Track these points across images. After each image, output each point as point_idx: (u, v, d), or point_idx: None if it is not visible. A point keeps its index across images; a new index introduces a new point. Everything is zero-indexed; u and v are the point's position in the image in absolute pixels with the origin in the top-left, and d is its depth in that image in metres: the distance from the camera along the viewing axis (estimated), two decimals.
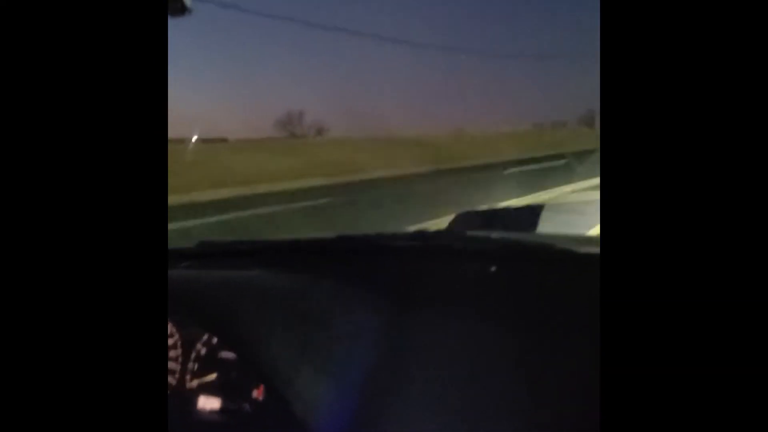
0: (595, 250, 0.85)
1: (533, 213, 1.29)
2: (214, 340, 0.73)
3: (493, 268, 0.76)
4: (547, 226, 1.23)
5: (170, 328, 0.75)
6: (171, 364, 0.74)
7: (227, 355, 0.72)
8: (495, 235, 0.95)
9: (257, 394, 0.66)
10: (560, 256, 0.77)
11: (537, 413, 0.55)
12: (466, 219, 1.41)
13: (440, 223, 1.25)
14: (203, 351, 0.74)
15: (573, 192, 7.09)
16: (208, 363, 0.73)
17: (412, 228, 1.04)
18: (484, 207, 1.59)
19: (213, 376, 0.71)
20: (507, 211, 1.59)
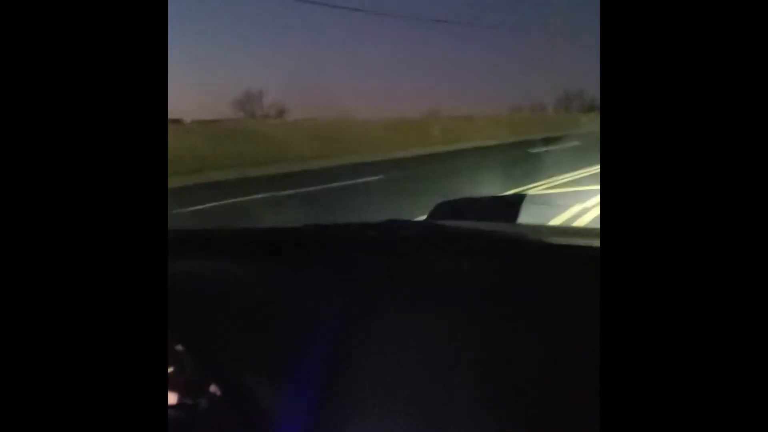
0: (572, 241, 0.86)
1: (513, 203, 1.30)
2: (170, 332, 0.71)
3: (465, 265, 0.75)
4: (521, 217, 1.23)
5: None
6: None
7: (182, 348, 0.70)
8: (470, 225, 0.95)
9: (214, 389, 0.65)
10: (537, 249, 0.77)
11: (503, 412, 0.55)
12: (445, 208, 1.41)
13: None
14: None
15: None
16: None
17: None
18: (463, 196, 1.57)
19: (168, 370, 0.70)
20: (487, 201, 1.60)
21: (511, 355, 0.58)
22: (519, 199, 1.31)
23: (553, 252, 0.75)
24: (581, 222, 4.96)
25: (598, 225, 0.49)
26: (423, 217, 1.30)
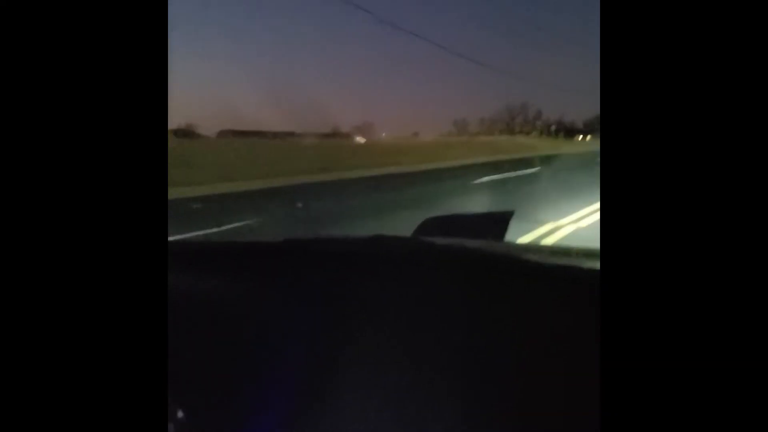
0: (560, 261, 0.86)
1: (501, 221, 1.30)
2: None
3: (450, 282, 0.74)
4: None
5: None
6: None
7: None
8: (457, 242, 0.95)
9: (181, 415, 0.63)
10: (523, 268, 0.77)
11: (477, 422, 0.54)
12: (432, 225, 1.41)
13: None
14: None
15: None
16: None
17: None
18: (451, 213, 1.57)
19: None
20: (474, 218, 1.60)
21: (491, 372, 0.58)
22: (507, 216, 1.31)
23: (540, 272, 0.75)
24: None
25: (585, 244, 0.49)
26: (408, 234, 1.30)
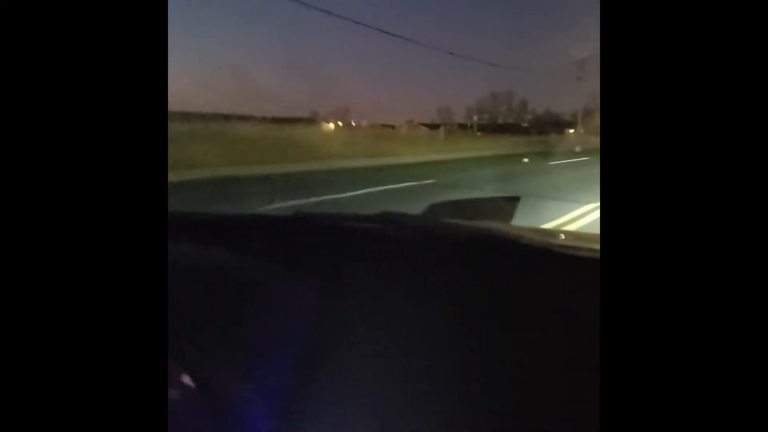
0: (568, 243, 0.86)
1: (509, 204, 1.30)
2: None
3: (456, 262, 0.74)
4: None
5: None
6: None
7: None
8: (465, 222, 0.94)
9: (187, 380, 0.63)
10: (532, 249, 0.77)
11: (470, 414, 0.54)
12: (439, 208, 1.41)
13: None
14: None
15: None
16: None
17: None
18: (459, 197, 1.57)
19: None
20: (481, 201, 1.60)
21: (499, 355, 0.58)
22: (514, 199, 1.31)
23: (547, 253, 0.74)
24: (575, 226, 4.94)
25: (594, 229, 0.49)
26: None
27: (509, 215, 1.25)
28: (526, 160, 15.64)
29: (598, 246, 0.69)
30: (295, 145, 14.75)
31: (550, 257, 0.73)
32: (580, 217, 5.32)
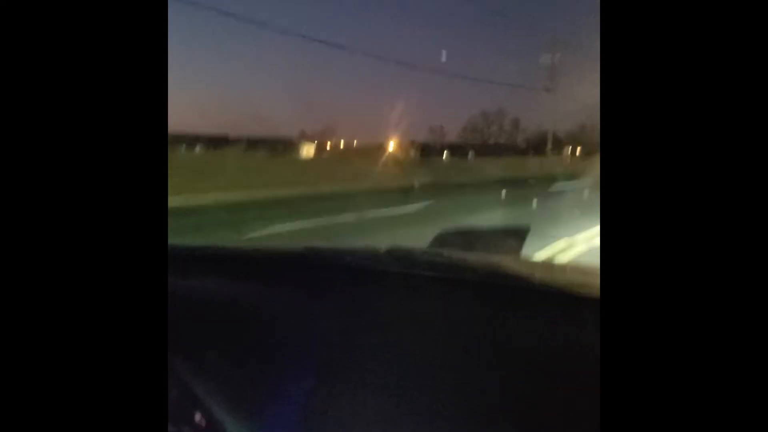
0: (573, 280, 0.84)
1: (518, 234, 1.29)
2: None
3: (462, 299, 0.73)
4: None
5: None
6: None
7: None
8: (474, 257, 0.94)
9: (198, 418, 0.63)
10: (536, 287, 0.75)
11: None
12: (448, 237, 1.40)
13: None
14: None
15: None
16: None
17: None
18: (467, 226, 1.57)
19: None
20: (490, 231, 1.59)
21: (500, 393, 0.57)
22: (524, 230, 1.30)
23: (552, 291, 0.74)
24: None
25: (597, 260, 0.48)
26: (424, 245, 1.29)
27: (518, 248, 1.24)
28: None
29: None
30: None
31: (555, 297, 0.72)
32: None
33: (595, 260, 0.49)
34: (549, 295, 0.72)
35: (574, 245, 5.19)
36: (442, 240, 1.35)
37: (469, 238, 1.45)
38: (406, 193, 10.45)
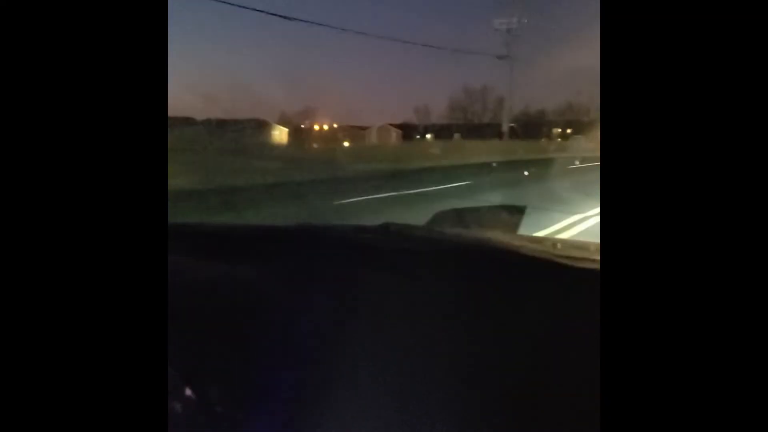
0: (572, 254, 0.85)
1: (514, 214, 1.29)
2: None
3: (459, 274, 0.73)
4: None
5: None
6: None
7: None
8: (470, 233, 0.94)
9: (189, 392, 0.63)
10: (535, 260, 0.76)
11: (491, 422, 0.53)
12: (444, 217, 1.41)
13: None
14: None
15: None
16: None
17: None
18: (464, 206, 1.57)
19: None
20: (486, 210, 1.60)
21: (500, 365, 0.58)
22: (520, 209, 1.31)
23: (551, 265, 0.74)
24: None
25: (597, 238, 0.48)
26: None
27: (514, 226, 1.25)
28: None
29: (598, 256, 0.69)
30: None
31: (551, 267, 0.72)
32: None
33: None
34: (546, 267, 0.72)
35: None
36: (437, 220, 1.36)
37: (465, 217, 1.45)
38: None
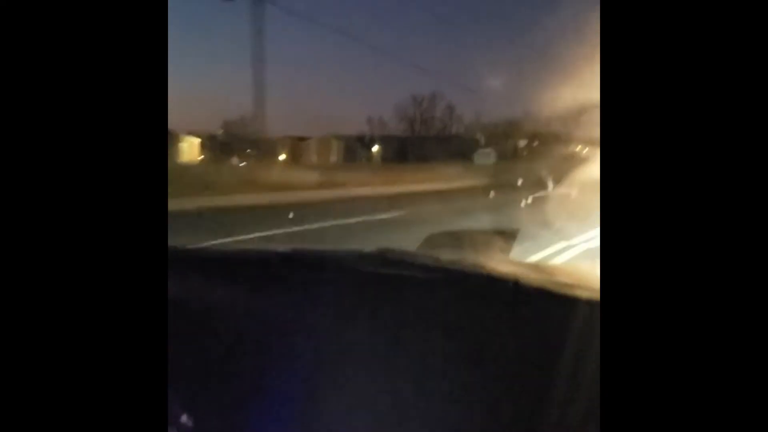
0: (567, 281, 0.85)
1: (507, 237, 1.30)
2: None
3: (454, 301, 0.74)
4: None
5: None
6: None
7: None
8: (461, 259, 0.94)
9: (185, 419, 0.62)
10: (528, 289, 0.76)
11: None
12: (438, 240, 1.41)
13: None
14: None
15: None
16: None
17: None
18: (456, 228, 1.58)
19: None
20: (480, 233, 1.60)
21: (493, 394, 0.58)
22: (513, 233, 1.31)
23: (543, 294, 0.74)
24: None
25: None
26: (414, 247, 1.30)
27: (507, 250, 1.25)
28: None
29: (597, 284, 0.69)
30: None
31: (548, 297, 0.72)
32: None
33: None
34: (542, 297, 0.72)
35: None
36: (432, 242, 1.36)
37: (458, 240, 1.45)
38: None
